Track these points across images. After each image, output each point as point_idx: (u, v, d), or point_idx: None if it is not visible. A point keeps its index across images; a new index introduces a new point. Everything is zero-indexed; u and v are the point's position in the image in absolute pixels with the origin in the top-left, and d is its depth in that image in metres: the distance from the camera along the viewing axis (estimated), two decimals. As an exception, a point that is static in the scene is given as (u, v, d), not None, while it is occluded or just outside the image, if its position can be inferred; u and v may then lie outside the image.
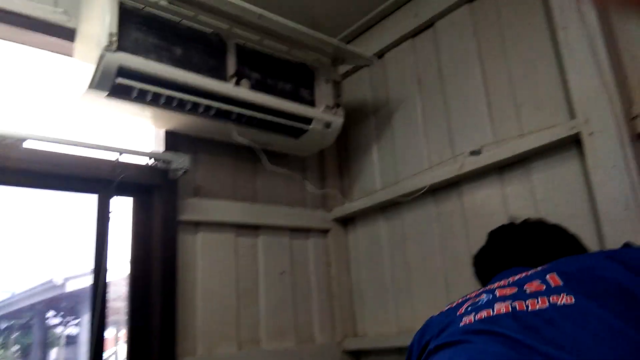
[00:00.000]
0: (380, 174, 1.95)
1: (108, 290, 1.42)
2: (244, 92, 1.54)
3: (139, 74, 1.33)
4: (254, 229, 1.82)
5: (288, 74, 1.71)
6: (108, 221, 1.44)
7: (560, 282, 0.70)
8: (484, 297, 0.77)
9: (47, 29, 1.41)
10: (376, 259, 1.91)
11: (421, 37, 1.86)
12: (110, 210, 1.45)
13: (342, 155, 2.13)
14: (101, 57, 1.26)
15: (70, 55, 1.45)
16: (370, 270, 1.93)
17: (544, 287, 0.71)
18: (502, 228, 1.10)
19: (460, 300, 0.83)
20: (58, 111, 1.44)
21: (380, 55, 1.97)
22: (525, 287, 0.74)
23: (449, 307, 0.84)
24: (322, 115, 1.75)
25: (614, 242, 1.22)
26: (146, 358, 1.44)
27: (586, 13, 1.34)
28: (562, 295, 0.67)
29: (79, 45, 1.41)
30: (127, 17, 1.34)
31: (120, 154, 1.43)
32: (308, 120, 1.73)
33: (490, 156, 1.54)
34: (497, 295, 0.75)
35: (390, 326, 1.82)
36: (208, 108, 1.51)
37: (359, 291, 1.97)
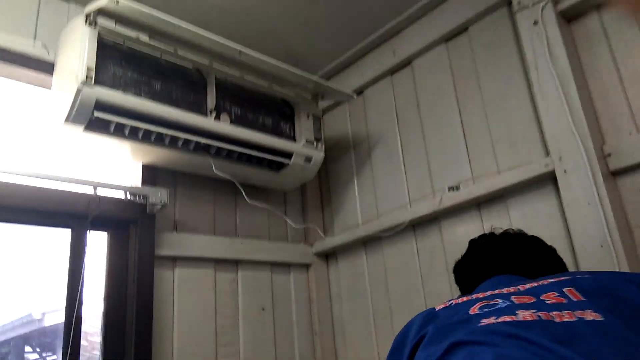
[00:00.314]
0: (361, 209, 1.95)
1: (82, 327, 1.38)
2: (223, 126, 1.55)
3: (117, 108, 1.33)
4: (233, 263, 1.80)
5: (269, 109, 1.72)
6: (83, 256, 1.41)
7: (582, 298, 0.69)
8: (500, 302, 0.73)
9: (26, 62, 1.41)
10: (358, 293, 1.89)
11: (399, 75, 1.90)
12: (85, 245, 1.42)
13: (323, 189, 2.13)
14: (78, 91, 1.26)
15: (48, 87, 1.44)
16: (352, 304, 1.91)
17: (565, 301, 0.69)
18: (483, 237, 1.11)
19: (466, 299, 0.80)
20: (34, 144, 1.43)
21: (359, 91, 2.00)
22: (542, 297, 0.72)
23: (452, 302, 0.81)
24: (303, 150, 1.76)
25: (590, 278, 1.23)
26: (117, 399, 1.39)
27: (557, 54, 1.38)
28: (587, 311, 0.66)
29: (57, 78, 1.41)
30: (106, 52, 1.35)
31: (96, 188, 1.42)
32: (288, 155, 1.73)
33: (468, 192, 1.55)
34: (515, 302, 0.72)
35: (371, 363, 1.79)
36: (187, 142, 1.51)
37: (340, 326, 1.93)
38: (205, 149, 1.56)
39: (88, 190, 1.43)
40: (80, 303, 1.37)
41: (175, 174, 1.71)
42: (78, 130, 1.33)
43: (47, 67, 1.44)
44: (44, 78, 1.45)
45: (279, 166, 1.76)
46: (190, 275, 1.66)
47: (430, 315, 0.81)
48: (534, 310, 0.68)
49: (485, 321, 0.68)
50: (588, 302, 0.68)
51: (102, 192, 1.46)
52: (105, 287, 1.49)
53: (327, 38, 1.89)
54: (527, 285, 0.77)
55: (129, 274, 1.51)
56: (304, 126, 1.79)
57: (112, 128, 1.36)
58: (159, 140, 1.46)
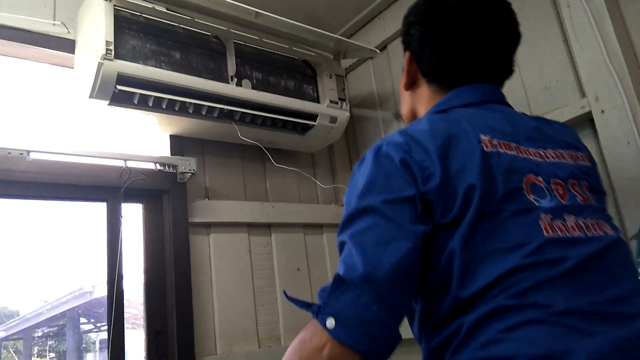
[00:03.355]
0: (390, 166, 1.92)
1: (124, 296, 1.44)
2: (245, 92, 1.54)
3: (139, 80, 1.34)
4: (266, 227, 1.83)
5: (290, 72, 1.70)
6: (119, 228, 1.46)
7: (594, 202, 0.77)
8: (544, 187, 0.72)
9: (47, 42, 1.42)
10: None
11: (423, 24, 1.82)
12: (120, 217, 1.47)
13: (351, 148, 2.12)
14: (99, 66, 1.27)
15: (71, 66, 1.46)
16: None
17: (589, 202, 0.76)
18: None
19: (510, 148, 0.74)
20: (63, 122, 1.46)
21: (382, 47, 1.94)
22: (570, 187, 0.74)
23: (495, 141, 0.74)
24: (327, 111, 1.74)
25: (631, 219, 1.20)
26: (165, 359, 1.46)
27: (589, -13, 1.30)
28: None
29: (78, 55, 1.43)
30: (124, 26, 1.35)
31: (126, 161, 1.44)
32: (313, 117, 1.72)
33: (499, 141, 1.50)
34: (557, 195, 0.72)
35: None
36: (211, 110, 1.51)
37: (375, 284, 1.95)
38: (229, 115, 1.56)
39: (119, 163, 1.46)
40: (121, 273, 1.42)
41: (202, 142, 1.73)
42: (103, 104, 1.35)
43: (68, 46, 1.46)
44: (67, 57, 1.46)
45: (305, 128, 1.75)
46: (224, 240, 1.70)
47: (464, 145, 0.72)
48: (574, 217, 0.71)
49: (547, 229, 0.67)
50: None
51: (133, 164, 1.48)
52: (144, 256, 1.54)
53: (346, -7, 1.83)
54: (551, 155, 0.77)
55: (165, 242, 1.55)
56: (327, 87, 1.76)
57: (135, 100, 1.37)
58: (183, 109, 1.47)
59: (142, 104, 1.39)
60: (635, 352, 0.58)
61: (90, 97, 1.32)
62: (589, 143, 1.34)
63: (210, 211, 1.67)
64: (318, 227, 1.97)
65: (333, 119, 1.75)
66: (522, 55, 1.51)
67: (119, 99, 1.36)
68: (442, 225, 0.69)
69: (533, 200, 0.69)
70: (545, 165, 0.75)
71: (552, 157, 0.77)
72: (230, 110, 1.54)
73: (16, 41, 1.36)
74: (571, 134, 0.87)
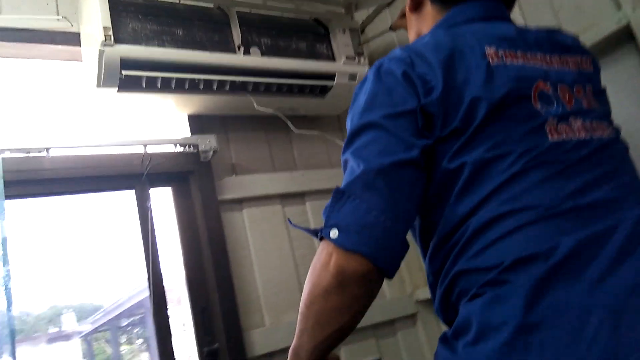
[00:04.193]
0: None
1: (164, 281, 1.46)
2: (255, 60, 1.49)
3: (143, 62, 1.32)
4: (299, 196, 1.79)
5: (300, 33, 1.63)
6: (150, 213, 1.47)
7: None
8: (551, 92, 0.72)
9: (53, 38, 1.43)
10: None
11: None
12: (149, 202, 1.48)
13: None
14: (101, 54, 1.26)
15: (80, 60, 1.47)
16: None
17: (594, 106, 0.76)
18: None
19: (516, 57, 0.74)
20: (79, 117, 1.47)
21: (398, -9, 1.83)
22: (576, 94, 0.74)
23: (501, 51, 0.74)
24: (345, 68, 1.66)
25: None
26: (212, 337, 1.47)
27: None
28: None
29: (83, 47, 1.43)
30: (120, 9, 1.33)
31: (146, 146, 1.45)
32: (331, 76, 1.64)
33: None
34: (563, 101, 0.72)
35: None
36: (222, 84, 1.48)
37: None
38: (242, 87, 1.52)
39: (140, 150, 1.46)
40: (157, 257, 1.44)
41: (223, 119, 1.70)
42: (112, 92, 1.34)
43: (74, 39, 1.46)
44: (74, 50, 1.47)
45: (323, 90, 1.68)
46: (259, 214, 1.68)
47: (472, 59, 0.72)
48: (581, 120, 0.71)
49: (552, 133, 0.68)
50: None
51: (153, 149, 1.49)
52: (180, 238, 1.55)
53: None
54: (556, 61, 0.76)
55: (198, 222, 1.55)
56: (341, 43, 1.68)
57: (143, 84, 1.36)
58: (193, 87, 1.44)
59: (151, 86, 1.38)
60: (615, 240, 0.60)
61: (98, 86, 1.32)
62: (630, 61, 1.20)
63: (240, 187, 1.66)
64: (354, 190, 1.91)
65: (352, 76, 1.68)
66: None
67: (127, 85, 1.35)
68: (442, 138, 0.68)
69: (539, 109, 0.69)
70: (553, 71, 0.75)
71: (558, 63, 0.77)
72: (242, 81, 1.49)
73: (22, 42, 1.37)
74: (573, 39, 0.85)
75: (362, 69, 1.69)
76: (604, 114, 0.78)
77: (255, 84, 1.53)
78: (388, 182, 0.64)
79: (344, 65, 1.65)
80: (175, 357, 1.41)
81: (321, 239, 0.66)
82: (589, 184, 0.65)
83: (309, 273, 0.68)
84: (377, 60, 0.77)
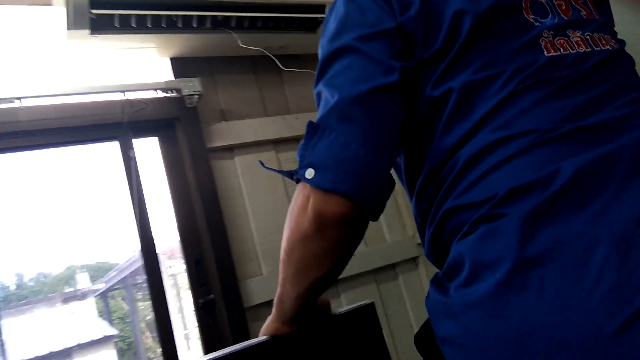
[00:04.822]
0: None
1: (155, 235, 1.41)
2: (236, -8, 1.38)
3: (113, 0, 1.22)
4: (294, 141, 1.71)
5: (285, -39, 1.50)
6: (135, 164, 1.40)
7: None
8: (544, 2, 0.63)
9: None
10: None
11: None
12: (132, 152, 1.40)
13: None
14: (66, -9, 1.16)
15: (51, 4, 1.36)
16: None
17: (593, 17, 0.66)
18: None
19: None
20: (52, 65, 1.38)
21: None
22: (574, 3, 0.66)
23: None
24: (335, -1, 1.53)
25: None
26: (207, 288, 1.44)
27: None
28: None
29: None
30: (83, -60, 1.21)
31: (125, 92, 1.36)
32: (320, 8, 1.52)
33: None
34: (559, 10, 0.63)
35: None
36: (202, 20, 1.37)
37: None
38: (225, 23, 1.41)
39: (119, 97, 1.38)
40: (145, 210, 1.38)
41: (209, 61, 1.60)
42: (84, 34, 1.25)
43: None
44: (43, -8, 1.36)
45: (313, 24, 1.56)
46: (252, 161, 1.61)
47: None
48: (580, 32, 0.62)
49: (547, 48, 0.59)
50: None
51: (134, 96, 1.40)
52: (169, 189, 1.49)
53: None
54: None
55: (187, 171, 1.49)
56: (330, -29, 1.54)
57: (117, 23, 1.26)
58: (172, 25, 1.34)
59: (125, 26, 1.28)
60: (621, 163, 0.51)
61: (69, 28, 1.23)
62: None
63: (230, 133, 1.58)
64: (351, 133, 1.83)
65: (344, 8, 1.55)
66: None
67: (100, 25, 1.25)
68: (423, 61, 0.60)
69: (532, 20, 0.61)
70: None
71: None
72: (224, 16, 1.39)
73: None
74: None
75: (354, -1, 1.56)
76: (606, 25, 0.69)
77: (239, 19, 1.42)
78: (366, 110, 0.56)
79: (335, -4, 1.53)
80: (169, 312, 1.38)
81: (297, 181, 0.59)
82: (591, 102, 0.57)
83: (287, 219, 0.62)
84: None
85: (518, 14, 0.61)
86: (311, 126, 0.58)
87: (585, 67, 0.58)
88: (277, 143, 1.67)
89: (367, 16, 0.61)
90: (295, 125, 1.69)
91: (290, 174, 0.61)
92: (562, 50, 0.60)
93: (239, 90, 1.66)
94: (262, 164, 0.71)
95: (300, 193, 0.59)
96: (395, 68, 0.59)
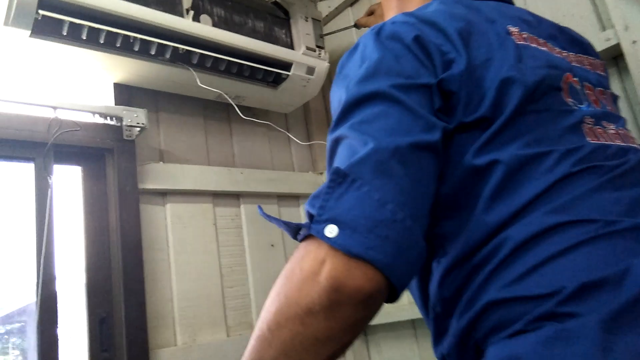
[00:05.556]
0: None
1: (56, 279, 1.17)
2: (204, 28, 1.28)
3: (68, 4, 1.07)
4: (234, 197, 1.57)
5: (258, 12, 1.45)
6: (50, 193, 1.18)
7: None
8: (578, 89, 0.60)
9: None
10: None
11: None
12: (50, 178, 1.19)
13: (329, 111, 1.87)
14: (14, -18, 0.99)
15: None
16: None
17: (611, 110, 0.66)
18: None
19: (538, 43, 0.63)
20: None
21: (365, -9, 1.71)
22: (602, 100, 0.64)
23: (524, 33, 0.62)
24: (303, 59, 1.49)
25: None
26: (111, 353, 1.20)
27: None
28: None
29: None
30: None
31: (56, 109, 1.17)
32: (287, 66, 1.47)
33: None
34: (590, 99, 0.61)
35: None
36: (162, 49, 1.25)
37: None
38: (185, 58, 1.30)
39: (49, 113, 1.18)
40: (51, 250, 1.15)
41: (156, 95, 1.46)
42: (23, 35, 1.07)
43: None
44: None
45: (277, 80, 1.50)
46: (185, 211, 1.44)
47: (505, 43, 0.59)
48: (614, 125, 0.60)
49: (589, 135, 0.56)
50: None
51: (65, 115, 1.21)
52: (84, 230, 1.27)
53: None
54: (573, 59, 0.66)
55: (110, 212, 1.28)
56: (302, 31, 1.51)
57: (64, 31, 1.10)
58: (127, 46, 1.20)
59: (74, 36, 1.12)
60: None
61: (6, 24, 1.04)
62: (614, 86, 1.15)
63: (167, 177, 1.41)
64: (294, 198, 1.73)
65: (310, 70, 1.51)
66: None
67: (43, 29, 1.08)
68: (465, 124, 0.53)
69: (571, 104, 0.59)
70: (577, 67, 0.65)
71: (575, 60, 0.67)
72: (186, 50, 1.27)
73: None
74: (587, 40, 0.76)
75: (322, 63, 1.53)
76: (625, 122, 0.68)
77: (202, 57, 1.31)
78: (406, 167, 0.47)
79: (303, 56, 1.49)
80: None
81: (304, 238, 0.47)
82: None
83: (279, 282, 0.49)
84: (337, 59, 0.62)
85: (559, 95, 0.58)
86: (338, 173, 0.47)
87: (628, 161, 0.55)
88: (217, 196, 1.52)
89: (403, 66, 0.53)
90: (239, 180, 1.56)
91: (295, 228, 0.48)
92: (602, 140, 0.56)
93: (184, 132, 1.51)
94: (261, 209, 0.58)
95: (309, 254, 0.46)
96: (437, 126, 0.51)
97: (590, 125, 0.57)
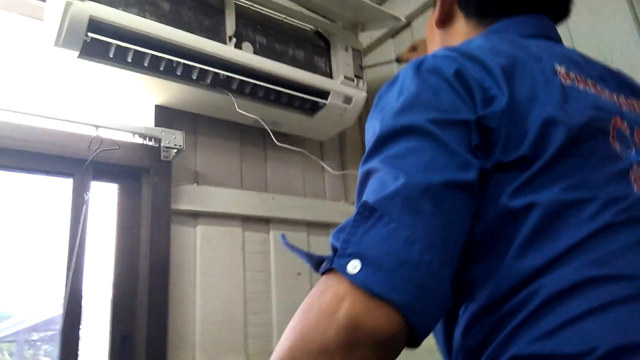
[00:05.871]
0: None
1: (83, 294, 1.19)
2: (245, 56, 1.31)
3: (116, 28, 1.11)
4: (264, 222, 1.57)
5: (299, 40, 1.47)
6: (84, 209, 1.21)
7: None
8: (627, 134, 0.57)
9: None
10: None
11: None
12: (87, 196, 1.22)
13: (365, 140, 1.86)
14: (67, 6, 1.04)
15: (42, 18, 1.24)
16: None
17: None
18: None
19: (587, 85, 0.59)
20: (25, 80, 1.22)
21: (406, 24, 1.71)
22: None
23: (572, 74, 0.59)
24: (341, 88, 1.49)
25: None
26: (130, 373, 1.20)
27: None
28: None
29: (49, 2, 1.20)
30: (102, -37, 1.12)
31: (98, 128, 1.21)
32: (324, 94, 1.47)
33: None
34: (638, 144, 0.57)
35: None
36: (203, 74, 1.27)
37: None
38: (225, 84, 1.33)
39: (91, 132, 1.22)
40: (81, 264, 1.17)
41: (195, 118, 1.49)
42: (72, 56, 1.11)
43: (40, -9, 1.24)
44: (37, 5, 1.24)
45: (314, 108, 1.50)
46: (214, 234, 1.44)
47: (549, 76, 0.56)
48: None
49: (638, 184, 0.53)
50: None
51: (106, 134, 1.25)
52: (115, 246, 1.29)
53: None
54: (624, 102, 0.61)
55: (142, 231, 1.30)
56: (341, 60, 1.52)
57: (111, 53, 1.14)
58: (170, 70, 1.23)
59: (120, 59, 1.16)
60: None
61: (56, 45, 1.09)
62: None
63: (199, 198, 1.42)
64: (324, 227, 1.71)
65: (347, 99, 1.51)
66: (576, 20, 1.26)
67: (92, 51, 1.13)
68: (503, 164, 0.51)
69: (618, 149, 0.55)
70: (627, 111, 0.61)
71: (625, 104, 0.63)
72: (227, 76, 1.30)
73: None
74: (638, 83, 0.71)
75: (360, 93, 1.53)
76: None
77: (241, 84, 1.33)
78: (437, 206, 0.45)
79: (341, 85, 1.49)
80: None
81: (326, 271, 0.45)
82: None
83: (297, 316, 0.47)
84: (376, 90, 0.60)
85: (606, 139, 0.54)
86: (366, 207, 0.45)
87: None
88: (247, 220, 1.52)
89: (441, 100, 0.51)
90: (270, 205, 1.56)
91: (318, 261, 0.47)
92: None
93: (219, 155, 1.53)
94: (284, 237, 0.57)
95: (329, 289, 0.44)
96: (473, 165, 0.49)
97: (638, 174, 0.54)
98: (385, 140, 0.50)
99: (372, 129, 0.54)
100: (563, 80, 0.57)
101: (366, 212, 0.45)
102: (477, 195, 0.49)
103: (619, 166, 0.53)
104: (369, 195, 0.47)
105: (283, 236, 0.59)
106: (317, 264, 0.47)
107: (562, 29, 0.73)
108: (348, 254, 0.43)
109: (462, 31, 0.72)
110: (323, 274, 0.46)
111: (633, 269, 0.45)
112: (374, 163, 0.50)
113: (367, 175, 0.50)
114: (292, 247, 0.53)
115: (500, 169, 0.50)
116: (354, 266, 0.42)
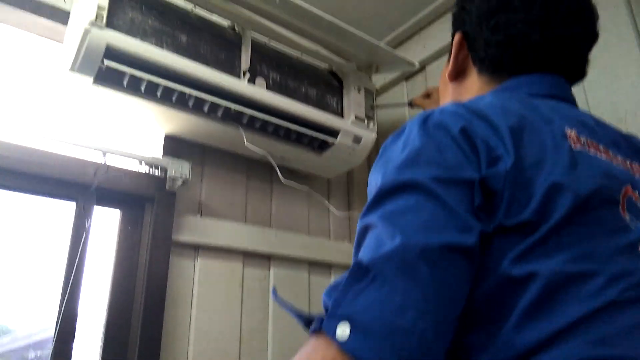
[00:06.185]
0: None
1: (77, 320, 1.16)
2: (258, 91, 1.31)
3: (132, 57, 1.12)
4: (265, 258, 1.54)
5: (312, 78, 1.47)
6: (85, 235, 1.19)
7: None
8: (635, 200, 0.55)
9: (38, 9, 1.22)
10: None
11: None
12: (88, 222, 1.20)
13: (374, 181, 1.85)
14: (86, 32, 1.05)
15: (61, 41, 1.25)
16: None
17: None
18: None
19: (598, 150, 0.58)
20: (35, 102, 1.23)
21: (420, 69, 1.72)
22: None
23: (583, 137, 0.57)
24: (351, 128, 1.49)
25: None
26: (116, 410, 1.15)
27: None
28: None
29: (70, 25, 1.22)
30: (124, -7, 1.14)
31: (105, 154, 1.20)
32: (334, 133, 1.47)
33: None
34: None
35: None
36: (215, 107, 1.28)
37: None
38: (236, 117, 1.33)
39: (97, 158, 1.22)
40: (77, 289, 1.14)
41: (203, 149, 1.48)
42: (86, 81, 1.12)
43: (61, 17, 1.26)
44: (57, 29, 1.26)
45: (323, 146, 1.50)
46: (214, 268, 1.42)
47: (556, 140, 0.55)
48: None
49: None
50: None
51: (112, 160, 1.24)
52: (112, 275, 1.26)
53: (385, 6, 1.63)
54: (637, 169, 0.60)
55: (140, 261, 1.28)
56: (353, 100, 1.52)
57: (125, 82, 1.14)
58: (182, 102, 1.23)
59: (134, 88, 1.17)
60: None
61: (72, 69, 1.10)
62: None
63: (202, 230, 1.40)
64: (326, 267, 1.68)
65: (357, 139, 1.50)
66: (591, 80, 1.26)
67: (106, 78, 1.13)
68: (505, 228, 0.49)
69: (628, 220, 0.53)
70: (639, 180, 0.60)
71: (639, 173, 0.61)
72: (238, 111, 1.30)
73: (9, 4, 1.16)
74: None
75: (370, 134, 1.52)
76: None
77: (251, 119, 1.33)
78: (433, 270, 0.43)
79: (352, 125, 1.49)
80: None
81: (315, 331, 0.44)
82: None
83: None
84: (386, 131, 0.59)
85: (615, 209, 0.52)
86: (360, 267, 0.44)
87: None
88: (247, 255, 1.50)
89: (446, 157, 0.50)
90: (272, 241, 1.54)
91: (307, 320, 0.45)
92: None
93: (225, 188, 1.52)
94: (275, 292, 0.56)
95: (317, 352, 0.42)
96: (474, 228, 0.47)
97: None
98: (385, 194, 0.49)
99: (375, 181, 0.53)
100: (573, 144, 0.56)
101: (360, 271, 0.43)
102: (476, 260, 0.47)
103: (628, 238, 0.50)
104: (365, 253, 0.46)
105: (274, 290, 0.57)
106: (307, 323, 0.45)
107: (577, 89, 0.72)
108: (338, 315, 0.42)
109: (474, 86, 0.71)
110: (313, 333, 0.44)
111: (634, 351, 0.42)
112: (372, 218, 0.48)
113: (365, 231, 0.49)
114: (283, 303, 0.52)
115: (503, 233, 0.48)
116: (343, 331, 0.41)
